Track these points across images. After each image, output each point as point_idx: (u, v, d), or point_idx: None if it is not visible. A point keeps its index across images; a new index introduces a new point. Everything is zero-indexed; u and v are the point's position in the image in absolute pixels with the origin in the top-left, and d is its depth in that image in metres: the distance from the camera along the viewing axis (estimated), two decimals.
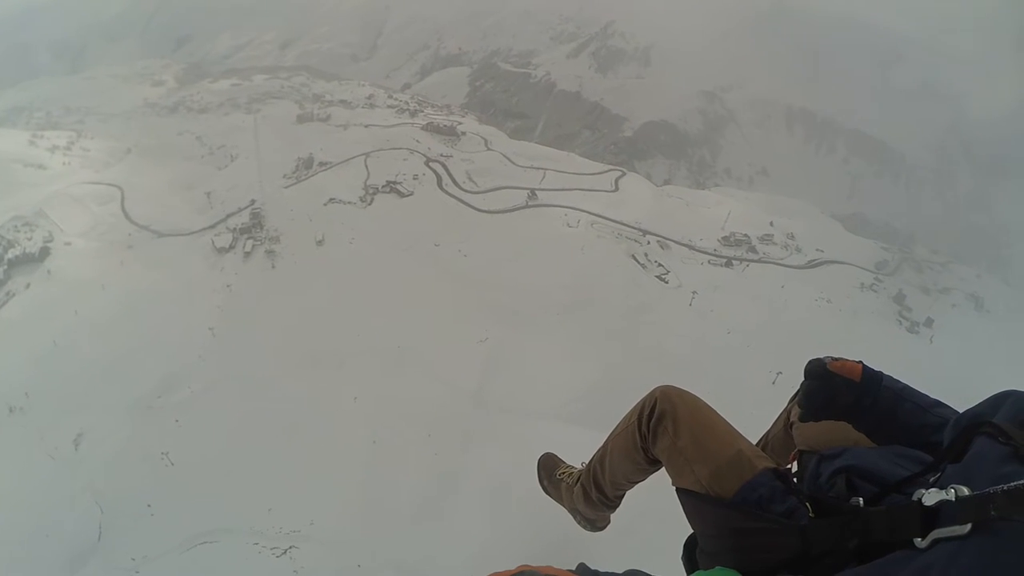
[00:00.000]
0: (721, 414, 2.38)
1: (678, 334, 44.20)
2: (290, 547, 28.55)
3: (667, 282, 51.64)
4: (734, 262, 57.36)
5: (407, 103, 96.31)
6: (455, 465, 32.24)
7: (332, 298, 45.00)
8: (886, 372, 2.46)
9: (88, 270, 49.04)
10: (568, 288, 47.06)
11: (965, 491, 1.39)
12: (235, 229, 53.94)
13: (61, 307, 44.52)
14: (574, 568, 2.10)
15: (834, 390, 2.36)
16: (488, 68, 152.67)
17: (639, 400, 2.58)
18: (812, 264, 59.78)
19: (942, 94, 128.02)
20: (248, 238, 52.63)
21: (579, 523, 3.52)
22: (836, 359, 2.42)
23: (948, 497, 1.42)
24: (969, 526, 1.31)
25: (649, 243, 57.10)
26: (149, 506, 30.62)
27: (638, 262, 53.38)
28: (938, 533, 1.39)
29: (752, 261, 58.14)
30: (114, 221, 56.69)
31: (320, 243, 52.12)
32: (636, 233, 58.26)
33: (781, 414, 3.16)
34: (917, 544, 1.45)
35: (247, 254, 50.92)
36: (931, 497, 1.47)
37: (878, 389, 2.35)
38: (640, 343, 42.58)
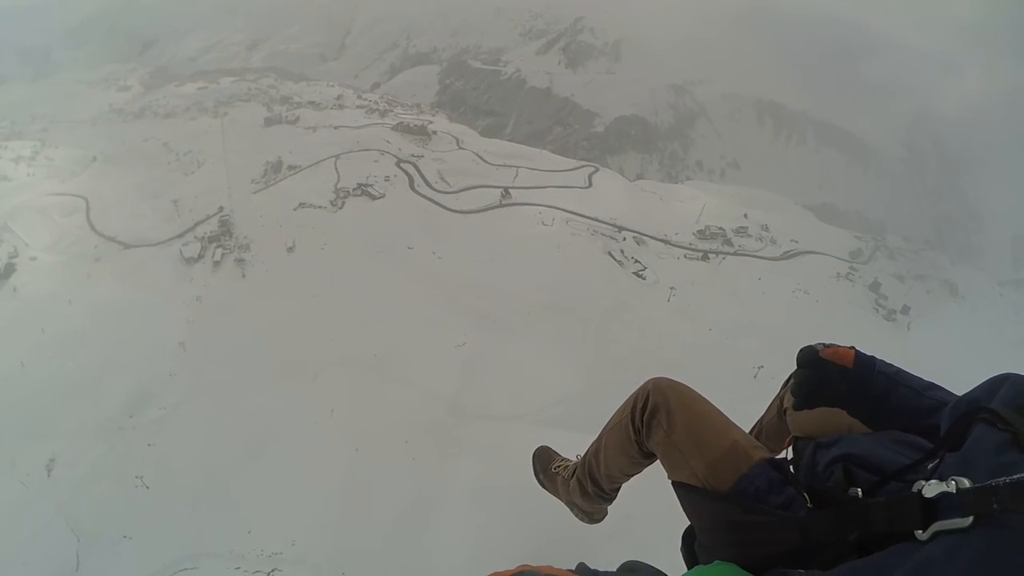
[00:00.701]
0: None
1: (657, 331, 44.29)
2: (272, 570, 27.97)
3: (645, 278, 51.74)
4: (710, 255, 57.81)
5: (377, 103, 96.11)
6: (436, 473, 31.83)
7: (304, 306, 44.16)
8: None
9: (54, 285, 47.48)
10: (545, 288, 46.85)
11: (966, 483, 1.35)
12: (203, 237, 52.71)
13: (28, 326, 43.00)
14: (574, 568, 2.06)
15: (827, 377, 2.32)
16: (458, 66, 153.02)
17: (632, 392, 2.53)
18: (787, 255, 60.65)
19: (912, 88, 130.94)
20: (217, 246, 51.42)
21: (576, 516, 3.51)
22: (828, 345, 2.37)
23: (949, 489, 1.38)
24: (971, 519, 1.27)
25: (625, 239, 57.22)
26: (125, 536, 29.66)
27: (615, 259, 53.43)
28: (939, 526, 1.36)
29: (728, 254, 58.76)
30: (80, 233, 55.08)
31: (291, 250, 51.13)
32: (611, 229, 58.30)
33: (774, 400, 3.13)
34: (918, 536, 1.41)
35: (216, 263, 49.74)
36: (931, 489, 1.42)
37: (871, 374, 2.30)
38: (620, 342, 42.59)
